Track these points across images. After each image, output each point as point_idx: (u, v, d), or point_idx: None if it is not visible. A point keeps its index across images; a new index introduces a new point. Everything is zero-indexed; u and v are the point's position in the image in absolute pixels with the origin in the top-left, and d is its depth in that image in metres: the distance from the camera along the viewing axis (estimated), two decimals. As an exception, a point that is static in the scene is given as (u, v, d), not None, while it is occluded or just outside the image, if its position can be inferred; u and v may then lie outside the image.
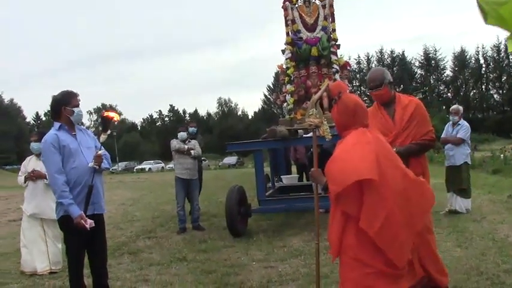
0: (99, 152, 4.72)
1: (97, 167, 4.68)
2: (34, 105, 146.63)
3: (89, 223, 4.53)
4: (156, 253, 7.70)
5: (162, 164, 61.51)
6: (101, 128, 5.05)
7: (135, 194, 18.25)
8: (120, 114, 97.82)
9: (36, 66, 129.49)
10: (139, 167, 60.91)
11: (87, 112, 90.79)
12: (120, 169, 57.78)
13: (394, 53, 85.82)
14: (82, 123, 5.78)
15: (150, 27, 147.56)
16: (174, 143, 9.69)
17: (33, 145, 7.08)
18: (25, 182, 7.05)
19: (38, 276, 6.63)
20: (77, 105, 4.80)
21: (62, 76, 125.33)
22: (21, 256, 7.04)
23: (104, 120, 5.08)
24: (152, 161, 64.71)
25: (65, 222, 4.66)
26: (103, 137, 4.83)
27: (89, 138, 4.89)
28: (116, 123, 5.20)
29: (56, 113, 4.81)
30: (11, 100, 77.84)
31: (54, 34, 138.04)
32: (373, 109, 4.70)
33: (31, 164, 7.16)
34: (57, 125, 4.77)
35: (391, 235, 3.23)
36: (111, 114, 5.04)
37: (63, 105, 4.76)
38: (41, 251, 6.89)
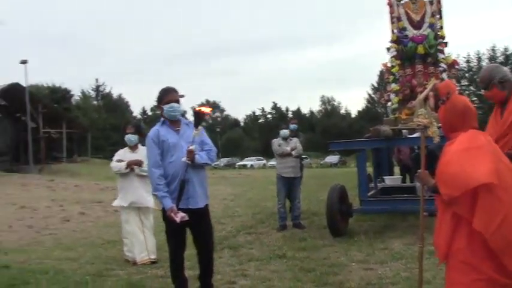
0: (191, 147, 4.77)
1: (189, 162, 4.76)
2: (141, 99, 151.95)
3: (180, 216, 4.65)
4: (256, 249, 7.78)
5: (264, 161, 62.01)
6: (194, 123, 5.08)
7: (236, 190, 18.54)
8: (223, 110, 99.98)
9: (142, 60, 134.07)
10: (241, 163, 61.83)
11: (191, 108, 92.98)
12: (222, 165, 58.93)
13: (508, 51, 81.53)
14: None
15: (256, 23, 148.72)
16: (275, 145, 9.74)
17: (130, 137, 7.31)
18: (126, 168, 7.20)
19: (140, 265, 6.90)
20: (173, 101, 4.92)
21: (169, 70, 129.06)
22: (124, 245, 7.38)
23: (196, 116, 5.14)
24: (254, 158, 65.45)
25: (165, 214, 4.84)
26: (195, 132, 4.88)
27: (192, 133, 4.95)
28: (208, 117, 5.24)
29: (159, 109, 5.06)
30: (119, 95, 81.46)
31: (160, 28, 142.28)
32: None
33: (127, 155, 7.35)
34: (161, 120, 5.02)
35: (507, 238, 3.09)
36: (204, 109, 5.10)
37: (159, 103, 4.99)
38: (140, 241, 7.12)
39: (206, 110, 5.09)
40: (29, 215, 12.23)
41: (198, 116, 5.09)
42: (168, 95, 4.96)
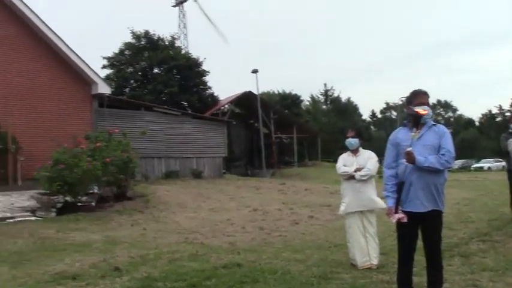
0: (408, 149, 4.70)
1: (406, 164, 4.72)
2: (370, 102, 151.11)
3: (396, 217, 4.72)
4: (490, 258, 7.08)
5: (503, 163, 57.42)
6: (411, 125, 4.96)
7: (470, 194, 17.40)
8: (455, 110, 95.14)
9: (370, 63, 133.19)
10: (477, 165, 58.17)
11: (405, 109, 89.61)
12: (456, 167, 56.04)
13: None
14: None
15: (496, 14, 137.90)
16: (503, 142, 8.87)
17: (350, 140, 7.24)
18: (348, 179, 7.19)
19: (366, 270, 6.73)
20: (423, 104, 4.88)
21: (396, 71, 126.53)
22: (348, 249, 7.30)
23: (414, 117, 4.93)
24: (492, 159, 61.07)
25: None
26: (413, 135, 4.78)
27: (434, 135, 4.88)
28: (432, 118, 5.04)
29: (408, 110, 5.02)
30: (348, 98, 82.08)
31: (386, 28, 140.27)
32: None
33: (349, 159, 7.29)
34: (404, 122, 5.12)
35: None
36: (419, 110, 4.85)
37: (408, 104, 4.98)
38: (361, 246, 7.00)
39: (422, 111, 4.83)
40: (261, 217, 12.76)
41: (416, 117, 4.90)
42: (417, 96, 4.97)
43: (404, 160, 4.73)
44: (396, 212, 4.76)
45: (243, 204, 15.21)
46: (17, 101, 18.02)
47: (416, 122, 4.89)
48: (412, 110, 4.88)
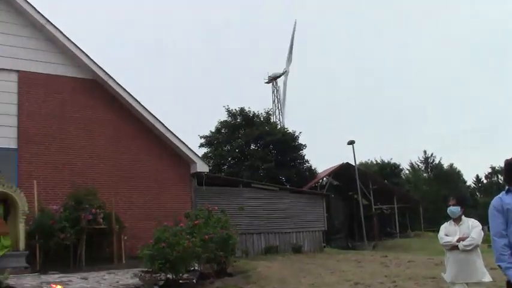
0: None
1: None
2: (473, 167, 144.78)
3: None
4: None
5: None
6: None
7: None
8: None
9: (474, 125, 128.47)
10: None
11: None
12: None
13: None
14: None
15: None
16: None
17: (452, 209, 7.03)
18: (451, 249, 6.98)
19: None
20: None
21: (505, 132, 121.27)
22: None
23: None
24: None
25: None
26: None
27: None
28: None
29: (508, 177, 4.83)
30: (450, 165, 79.35)
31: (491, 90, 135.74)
32: None
33: (451, 228, 7.08)
34: (506, 188, 4.79)
35: None
36: None
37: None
38: None
39: None
40: (363, 291, 12.42)
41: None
42: None
43: None
44: None
45: (344, 278, 14.83)
46: (121, 181, 18.97)
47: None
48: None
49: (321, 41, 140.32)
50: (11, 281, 10.74)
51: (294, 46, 72.07)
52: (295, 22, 74.74)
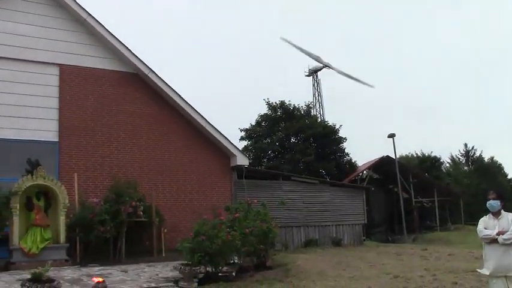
0: None
1: None
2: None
3: None
4: None
5: None
6: None
7: None
8: None
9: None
10: None
11: None
12: None
13: None
14: None
15: None
16: None
17: (491, 203, 7.00)
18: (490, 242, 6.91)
19: None
20: None
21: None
22: None
23: None
24: None
25: None
26: None
27: None
28: None
29: None
30: (491, 158, 77.53)
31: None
32: None
33: (490, 222, 7.02)
34: None
35: None
36: None
37: None
38: None
39: None
40: (402, 285, 12.15)
41: None
42: None
43: None
44: None
45: (383, 271, 14.61)
46: (161, 174, 19.09)
47: None
48: None
49: (358, 33, 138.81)
50: (51, 273, 10.81)
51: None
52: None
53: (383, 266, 15.97)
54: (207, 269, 13.02)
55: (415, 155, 62.35)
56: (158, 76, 19.41)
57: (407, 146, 70.26)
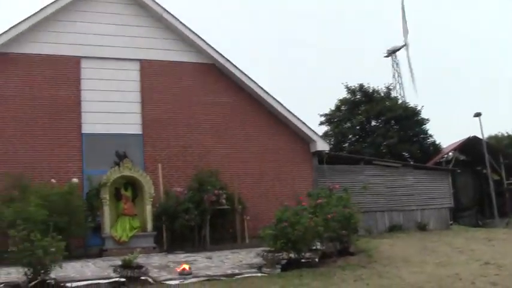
0: None
1: None
2: None
3: None
4: None
5: None
6: None
7: None
8: None
9: None
10: None
11: None
12: None
13: None
14: None
15: None
16: None
17: None
18: None
19: None
20: None
21: None
22: None
23: None
24: None
25: None
26: None
27: None
28: None
29: None
30: None
31: None
32: None
33: None
34: None
35: None
36: None
37: None
38: None
39: None
40: (494, 272, 11.69)
41: None
42: None
43: None
44: None
45: (472, 257, 14.11)
46: (242, 162, 19.35)
47: None
48: None
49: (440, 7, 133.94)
50: (140, 260, 11.29)
51: (406, 15, 69.44)
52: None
53: (472, 251, 15.42)
54: (290, 255, 13.10)
55: (505, 134, 59.71)
56: (235, 65, 19.66)
57: (497, 125, 67.29)
